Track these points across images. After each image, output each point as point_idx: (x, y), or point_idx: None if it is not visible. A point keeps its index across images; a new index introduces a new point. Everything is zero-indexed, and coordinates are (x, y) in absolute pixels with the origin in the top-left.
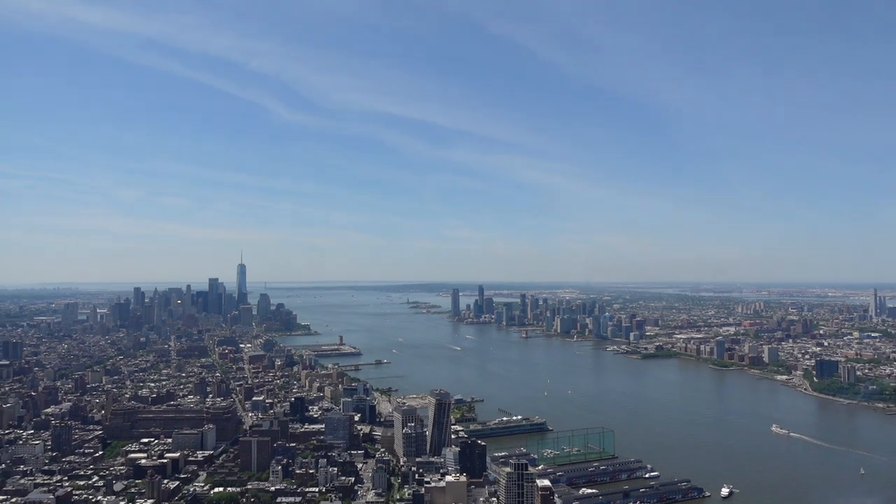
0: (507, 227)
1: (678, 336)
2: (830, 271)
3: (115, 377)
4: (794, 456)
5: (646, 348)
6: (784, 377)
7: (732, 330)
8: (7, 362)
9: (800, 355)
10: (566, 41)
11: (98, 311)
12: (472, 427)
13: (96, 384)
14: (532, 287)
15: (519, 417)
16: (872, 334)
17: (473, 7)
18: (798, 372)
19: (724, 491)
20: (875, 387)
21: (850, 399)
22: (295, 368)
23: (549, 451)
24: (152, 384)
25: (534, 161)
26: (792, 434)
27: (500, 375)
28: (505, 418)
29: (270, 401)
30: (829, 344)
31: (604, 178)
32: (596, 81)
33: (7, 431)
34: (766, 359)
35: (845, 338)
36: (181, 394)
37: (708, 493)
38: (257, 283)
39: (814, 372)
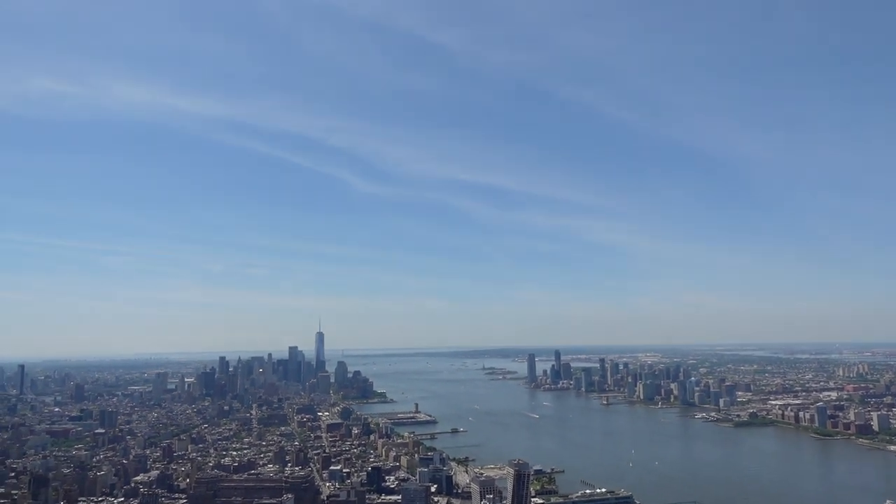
0: (582, 290)
1: (773, 402)
2: None
3: (200, 445)
4: None
5: (738, 415)
6: None
7: (834, 395)
8: (102, 430)
9: None
10: (635, 100)
11: (186, 380)
12: (553, 500)
13: (182, 452)
14: (611, 351)
15: (603, 490)
16: None
17: (541, 73)
18: None
19: None
20: None
21: None
22: (371, 437)
23: None
24: (234, 452)
25: (607, 222)
26: None
27: (582, 444)
28: (588, 491)
29: (347, 470)
30: None
31: (681, 235)
32: (668, 138)
33: (100, 499)
34: (875, 427)
35: None
36: (261, 462)
37: None
38: (335, 350)
39: None
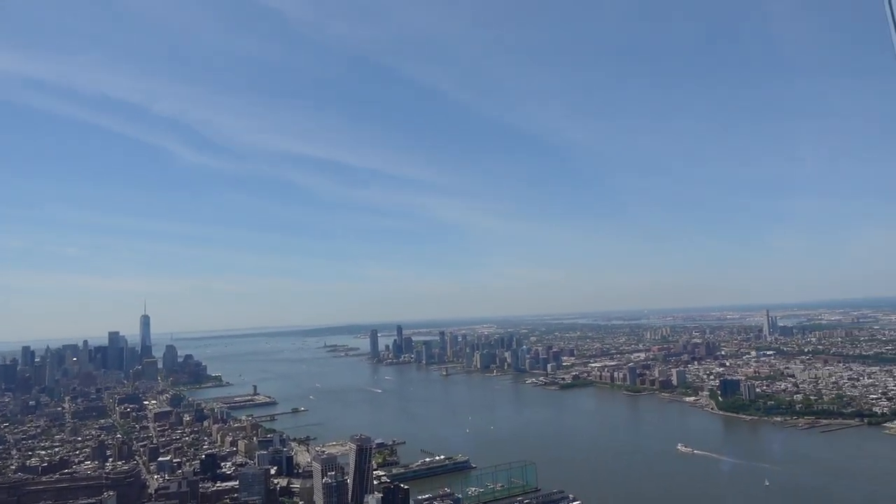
0: (424, 266)
1: (593, 365)
2: (728, 294)
3: (0, 447)
4: (704, 473)
5: (563, 378)
6: (692, 398)
7: (643, 356)
8: None
9: (705, 376)
10: (473, 82)
11: None
12: (394, 471)
13: None
14: (451, 324)
15: (442, 457)
16: (767, 352)
17: (382, 50)
18: (704, 392)
19: None
20: (772, 402)
21: (751, 415)
22: (205, 423)
23: (473, 489)
24: (43, 452)
25: (447, 199)
26: (696, 452)
27: (422, 415)
28: (427, 459)
29: (178, 460)
30: (730, 364)
31: (515, 213)
32: (503, 120)
33: None
34: (674, 382)
35: (744, 357)
36: (77, 460)
37: None
38: (163, 334)
39: (718, 392)
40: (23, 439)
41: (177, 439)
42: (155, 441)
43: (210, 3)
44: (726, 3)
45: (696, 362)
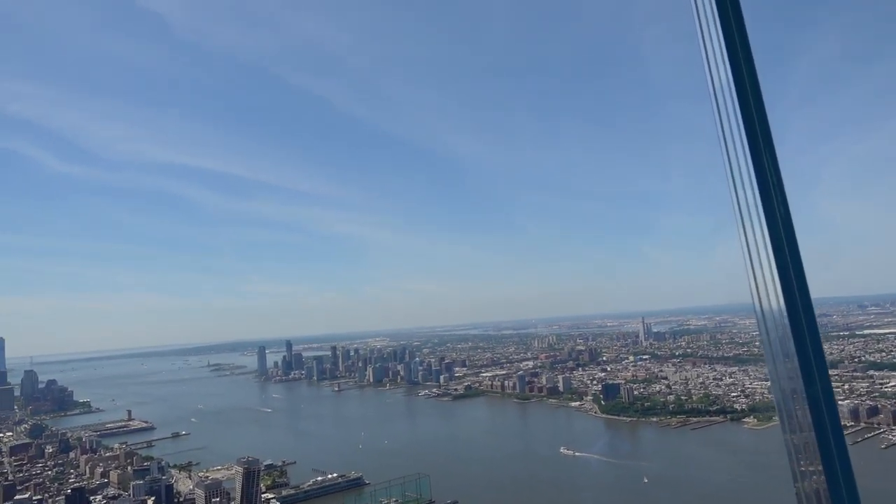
0: (315, 280)
1: (484, 374)
2: (609, 302)
3: None
4: (587, 474)
5: (455, 389)
6: (577, 403)
7: (531, 364)
8: None
9: (589, 381)
10: (366, 95)
11: None
12: (284, 493)
13: None
14: (344, 338)
15: (335, 475)
16: (643, 357)
17: (270, 60)
18: (588, 397)
19: None
20: (649, 403)
21: (630, 417)
22: (72, 454)
23: None
24: None
25: (340, 212)
26: (577, 454)
27: (313, 434)
28: (320, 478)
29: (39, 497)
30: (611, 369)
31: (408, 227)
32: (395, 133)
33: None
34: (561, 388)
35: (623, 362)
36: None
37: None
38: (21, 358)
39: (601, 396)
40: None
41: (37, 474)
42: (11, 477)
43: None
44: (604, 29)
45: (580, 368)
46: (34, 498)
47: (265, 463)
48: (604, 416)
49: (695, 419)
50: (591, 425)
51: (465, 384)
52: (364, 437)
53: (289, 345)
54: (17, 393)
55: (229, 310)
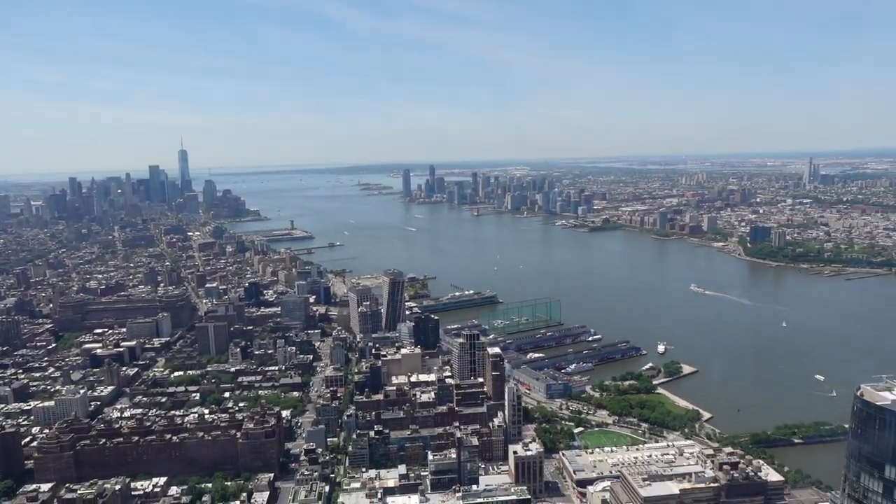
0: (459, 106)
1: (624, 209)
2: (772, 140)
3: (60, 270)
4: (720, 313)
5: (593, 221)
6: (720, 244)
7: (675, 201)
8: None
9: (736, 223)
10: None
11: (32, 203)
12: (425, 303)
13: (40, 278)
14: (484, 165)
15: (471, 292)
16: (804, 200)
17: None
18: (733, 238)
19: (661, 348)
20: (801, 249)
21: (778, 262)
22: (247, 254)
23: (500, 321)
24: (100, 276)
25: (487, 35)
26: (707, 292)
27: (453, 253)
28: (457, 293)
29: (224, 287)
30: (764, 211)
31: (562, 52)
32: None
33: None
34: (705, 227)
35: (779, 205)
36: (131, 284)
37: (644, 352)
38: (200, 169)
39: (747, 238)
40: (80, 264)
41: (221, 268)
42: (201, 269)
43: None
44: None
45: (729, 209)
46: (220, 287)
47: (409, 276)
48: (748, 258)
49: (852, 269)
50: (732, 267)
51: (604, 217)
52: (500, 260)
53: (432, 169)
54: (200, 199)
55: (377, 132)
